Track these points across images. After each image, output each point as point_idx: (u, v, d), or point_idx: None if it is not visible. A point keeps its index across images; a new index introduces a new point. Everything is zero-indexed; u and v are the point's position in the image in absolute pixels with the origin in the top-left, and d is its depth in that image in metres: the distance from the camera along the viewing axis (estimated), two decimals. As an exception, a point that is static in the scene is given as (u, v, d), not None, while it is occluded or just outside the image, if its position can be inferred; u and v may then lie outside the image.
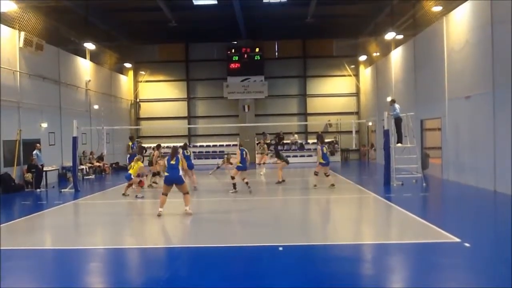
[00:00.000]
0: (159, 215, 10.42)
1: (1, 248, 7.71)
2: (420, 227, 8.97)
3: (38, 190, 16.39)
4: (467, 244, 7.31)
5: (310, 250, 7.57)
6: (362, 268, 6.61)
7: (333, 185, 14.93)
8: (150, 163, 17.15)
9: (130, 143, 15.27)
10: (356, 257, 7.18)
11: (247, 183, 14.02)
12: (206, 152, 30.64)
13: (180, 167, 10.52)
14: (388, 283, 6.04)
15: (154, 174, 16.91)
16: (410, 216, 10.05)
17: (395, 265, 6.83)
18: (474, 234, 8.26)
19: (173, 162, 10.53)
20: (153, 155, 17.09)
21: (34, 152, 16.83)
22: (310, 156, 27.27)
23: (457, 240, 7.60)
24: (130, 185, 14.39)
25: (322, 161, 14.95)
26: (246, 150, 14.37)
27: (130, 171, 14.21)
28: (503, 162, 12.89)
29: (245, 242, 8.17)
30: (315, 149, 16.17)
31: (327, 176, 15.07)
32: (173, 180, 10.52)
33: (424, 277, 5.97)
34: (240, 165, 14.07)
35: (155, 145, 20.29)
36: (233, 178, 14.24)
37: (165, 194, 10.55)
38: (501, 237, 8.17)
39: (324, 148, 15.21)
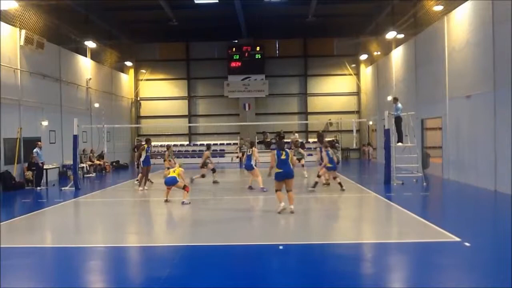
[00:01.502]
0: (279, 212, 10.36)
1: (1, 246, 7.72)
2: (420, 227, 8.97)
3: (38, 188, 16.39)
4: (467, 244, 7.31)
5: (310, 249, 7.56)
6: (362, 267, 6.61)
7: (328, 184, 15.01)
8: (204, 164, 16.59)
9: (146, 146, 14.94)
10: (357, 256, 7.18)
11: (340, 183, 14.14)
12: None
13: (289, 162, 10.60)
14: (388, 282, 6.04)
15: (214, 171, 16.99)
16: (410, 215, 10.05)
17: (395, 264, 6.83)
18: (474, 234, 8.24)
19: (283, 157, 10.49)
20: (204, 156, 16.76)
21: (35, 150, 16.83)
22: (311, 155, 27.21)
23: (457, 239, 7.60)
24: (170, 189, 12.71)
25: (329, 165, 14.19)
26: (331, 150, 14.41)
27: (173, 174, 12.51)
28: (504, 162, 12.88)
29: (245, 241, 8.17)
30: (315, 149, 15.50)
31: (335, 178, 14.43)
32: (287, 175, 10.48)
33: (424, 276, 5.97)
34: (330, 165, 14.15)
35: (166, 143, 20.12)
36: (319, 176, 14.44)
37: (280, 190, 10.61)
38: (501, 236, 8.16)
39: (330, 152, 14.35)
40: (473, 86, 14.92)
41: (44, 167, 17.29)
